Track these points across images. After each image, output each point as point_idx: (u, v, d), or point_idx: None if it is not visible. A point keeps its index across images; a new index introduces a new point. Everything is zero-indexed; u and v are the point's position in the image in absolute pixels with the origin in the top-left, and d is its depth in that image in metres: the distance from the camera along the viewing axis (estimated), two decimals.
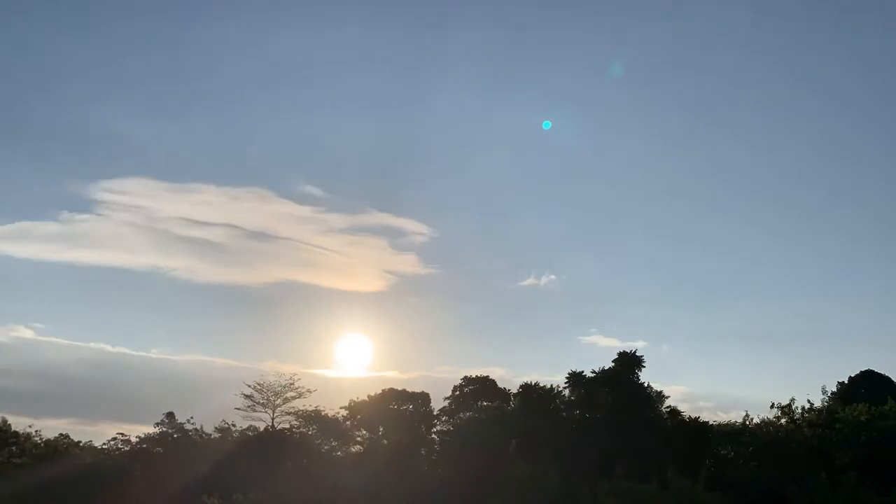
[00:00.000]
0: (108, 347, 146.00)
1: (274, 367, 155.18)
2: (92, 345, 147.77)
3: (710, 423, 76.69)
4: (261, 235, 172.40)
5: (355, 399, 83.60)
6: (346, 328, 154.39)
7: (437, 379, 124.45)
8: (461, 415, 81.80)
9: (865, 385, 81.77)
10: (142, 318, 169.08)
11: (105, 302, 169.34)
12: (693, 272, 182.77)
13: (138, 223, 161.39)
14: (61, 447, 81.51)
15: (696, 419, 76.62)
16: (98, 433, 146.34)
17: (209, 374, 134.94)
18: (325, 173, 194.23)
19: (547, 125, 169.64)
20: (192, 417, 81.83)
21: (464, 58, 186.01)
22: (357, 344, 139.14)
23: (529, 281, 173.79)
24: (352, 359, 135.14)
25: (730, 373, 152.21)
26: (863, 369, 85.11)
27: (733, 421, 77.63)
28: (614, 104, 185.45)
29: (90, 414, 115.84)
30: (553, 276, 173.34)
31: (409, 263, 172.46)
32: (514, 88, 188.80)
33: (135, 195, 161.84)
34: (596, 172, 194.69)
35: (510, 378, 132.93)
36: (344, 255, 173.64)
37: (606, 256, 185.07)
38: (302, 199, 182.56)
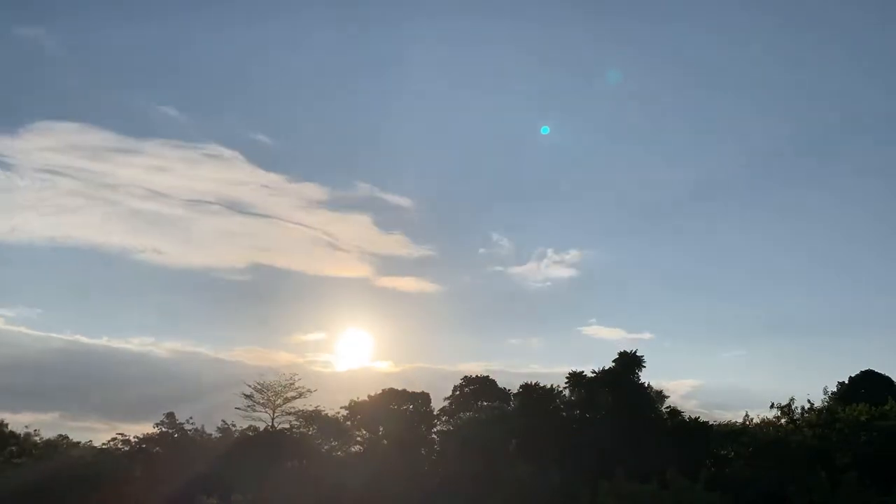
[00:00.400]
0: (84, 339, 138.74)
1: (261, 359, 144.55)
2: (67, 336, 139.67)
3: (711, 422, 76.81)
4: (230, 210, 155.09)
5: (355, 399, 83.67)
6: (334, 317, 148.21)
7: (434, 371, 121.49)
8: (461, 415, 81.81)
9: (865, 385, 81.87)
10: (112, 304, 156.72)
11: (73, 287, 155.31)
12: (695, 268, 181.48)
13: (88, 193, 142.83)
14: (61, 447, 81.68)
15: (696, 419, 76.70)
16: (86, 429, 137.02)
17: (195, 367, 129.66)
18: (295, 136, 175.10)
19: (545, 130, 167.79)
20: (191, 417, 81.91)
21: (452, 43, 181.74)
22: (348, 335, 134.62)
23: (530, 265, 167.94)
24: (344, 350, 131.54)
25: (738, 367, 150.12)
26: (863, 369, 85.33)
27: (733, 421, 77.86)
28: (612, 96, 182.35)
29: (74, 408, 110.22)
30: (556, 257, 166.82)
31: (398, 244, 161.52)
32: (507, 77, 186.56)
33: (76, 153, 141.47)
34: (596, 159, 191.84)
35: (508, 370, 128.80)
36: (326, 234, 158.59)
37: (610, 245, 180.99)
38: (270, 164, 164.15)
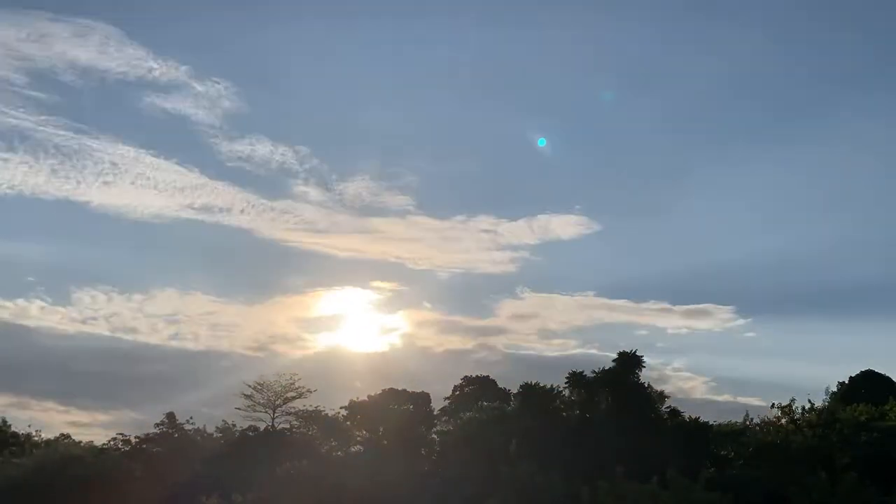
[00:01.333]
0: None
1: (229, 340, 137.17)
2: None
3: (711, 423, 76.90)
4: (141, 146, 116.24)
5: (355, 399, 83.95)
6: (315, 295, 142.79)
7: (423, 351, 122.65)
8: (461, 415, 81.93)
9: (865, 385, 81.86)
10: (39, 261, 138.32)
11: None
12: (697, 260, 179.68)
13: None
14: (61, 447, 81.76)
15: (697, 419, 76.78)
16: (37, 418, 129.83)
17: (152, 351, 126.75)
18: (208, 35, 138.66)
19: (542, 142, 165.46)
20: (191, 417, 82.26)
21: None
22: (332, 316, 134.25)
23: (521, 223, 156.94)
24: (311, 332, 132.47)
25: (751, 347, 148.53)
26: (863, 369, 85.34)
27: (733, 421, 77.87)
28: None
29: (24, 392, 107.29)
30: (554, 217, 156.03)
31: (361, 190, 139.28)
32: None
33: None
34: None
35: (500, 348, 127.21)
36: (266, 169, 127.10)
37: (613, 214, 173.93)
38: (172, 51, 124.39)
